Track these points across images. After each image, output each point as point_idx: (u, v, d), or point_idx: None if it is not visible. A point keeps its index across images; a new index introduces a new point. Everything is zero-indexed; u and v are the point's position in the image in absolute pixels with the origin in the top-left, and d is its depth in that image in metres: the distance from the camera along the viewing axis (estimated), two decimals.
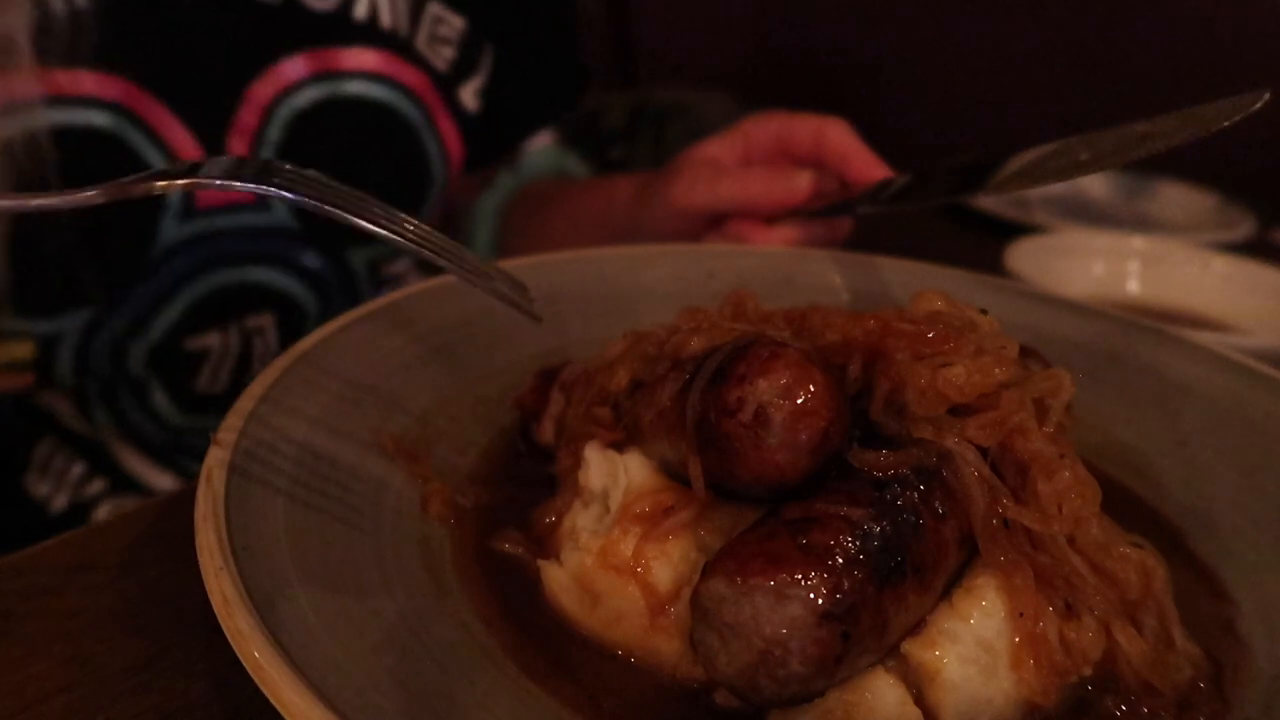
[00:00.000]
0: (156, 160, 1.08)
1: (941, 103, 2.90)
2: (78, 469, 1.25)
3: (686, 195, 1.22)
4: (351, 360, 0.85)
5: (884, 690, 0.61)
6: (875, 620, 0.58)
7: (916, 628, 0.63)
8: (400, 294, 0.95)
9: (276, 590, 0.58)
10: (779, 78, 3.28)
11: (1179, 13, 2.47)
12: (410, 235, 0.73)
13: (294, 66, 1.18)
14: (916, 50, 2.95)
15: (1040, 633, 0.63)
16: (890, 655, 0.62)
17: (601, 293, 1.05)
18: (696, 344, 0.74)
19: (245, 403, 0.73)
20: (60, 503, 1.24)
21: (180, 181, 0.67)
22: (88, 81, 1.03)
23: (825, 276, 1.12)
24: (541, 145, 1.67)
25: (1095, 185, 2.15)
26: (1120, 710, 0.64)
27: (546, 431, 0.84)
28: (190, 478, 1.29)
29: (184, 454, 1.29)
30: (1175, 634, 0.67)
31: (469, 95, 1.37)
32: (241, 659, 0.53)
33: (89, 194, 0.66)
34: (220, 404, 1.25)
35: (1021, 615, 0.63)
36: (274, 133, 1.16)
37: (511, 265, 1.06)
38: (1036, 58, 2.70)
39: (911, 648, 0.62)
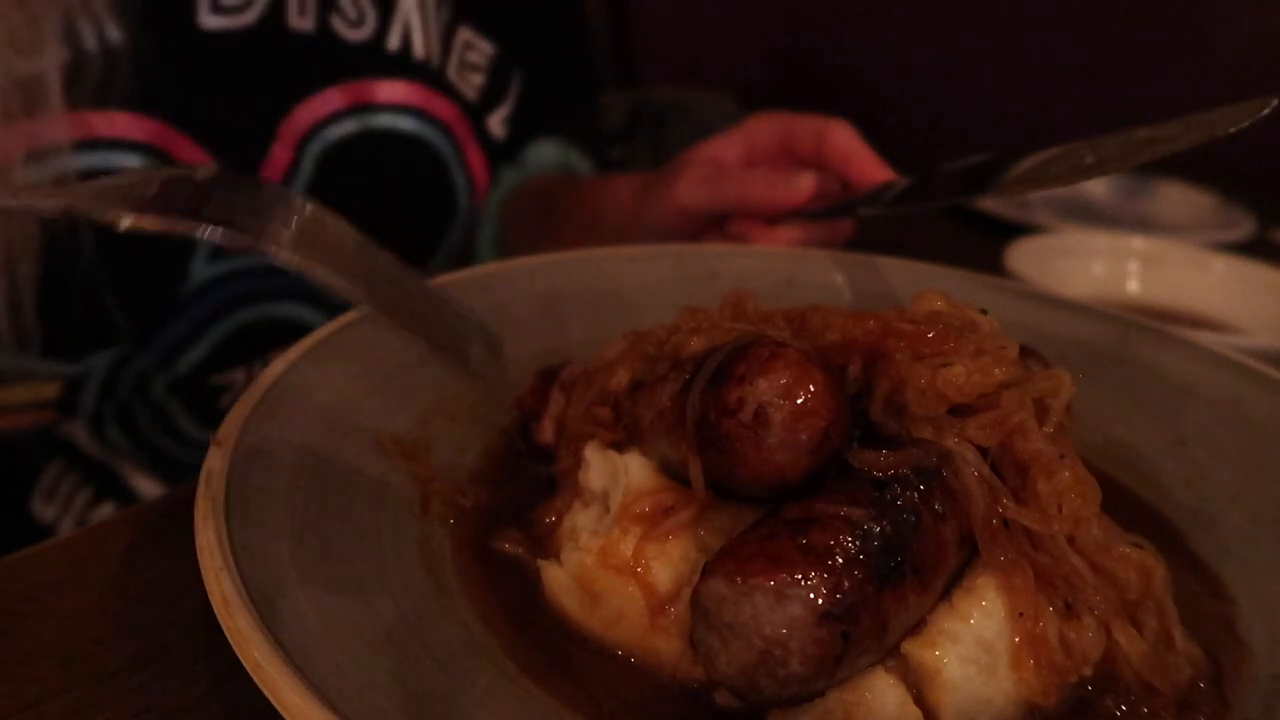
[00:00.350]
0: None
1: (944, 105, 2.90)
2: (85, 494, 1.24)
3: (688, 194, 1.21)
4: (351, 360, 0.85)
5: (884, 690, 0.61)
6: (875, 620, 0.58)
7: (916, 628, 0.63)
8: None
9: (276, 590, 0.58)
10: (780, 78, 3.28)
11: (1184, 19, 2.46)
12: (380, 299, 0.70)
13: (327, 100, 1.18)
14: (918, 52, 2.95)
15: (1040, 633, 0.63)
16: (890, 655, 0.62)
17: (601, 293, 1.05)
18: (696, 344, 0.74)
19: (246, 403, 0.73)
20: (66, 526, 1.24)
21: (128, 218, 0.62)
22: (121, 122, 1.02)
23: (826, 276, 1.12)
24: (544, 140, 1.67)
25: (1096, 185, 2.15)
26: (1120, 710, 0.63)
27: (546, 431, 0.84)
28: None
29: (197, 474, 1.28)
30: (1175, 634, 0.67)
31: (496, 124, 1.37)
32: (241, 659, 0.53)
33: (50, 201, 0.65)
34: None
35: (1021, 615, 0.63)
36: (307, 168, 1.16)
37: (512, 265, 1.06)
38: (1040, 62, 2.70)
39: (911, 648, 0.62)
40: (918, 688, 0.62)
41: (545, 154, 1.65)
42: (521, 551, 0.75)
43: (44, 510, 1.23)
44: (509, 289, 1.01)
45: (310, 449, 0.74)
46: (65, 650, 0.67)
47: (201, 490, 0.64)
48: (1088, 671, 0.64)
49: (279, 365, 0.79)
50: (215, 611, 0.55)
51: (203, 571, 0.58)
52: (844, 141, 1.17)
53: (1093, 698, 0.64)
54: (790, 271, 1.12)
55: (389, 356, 0.88)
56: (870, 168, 1.16)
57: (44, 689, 0.64)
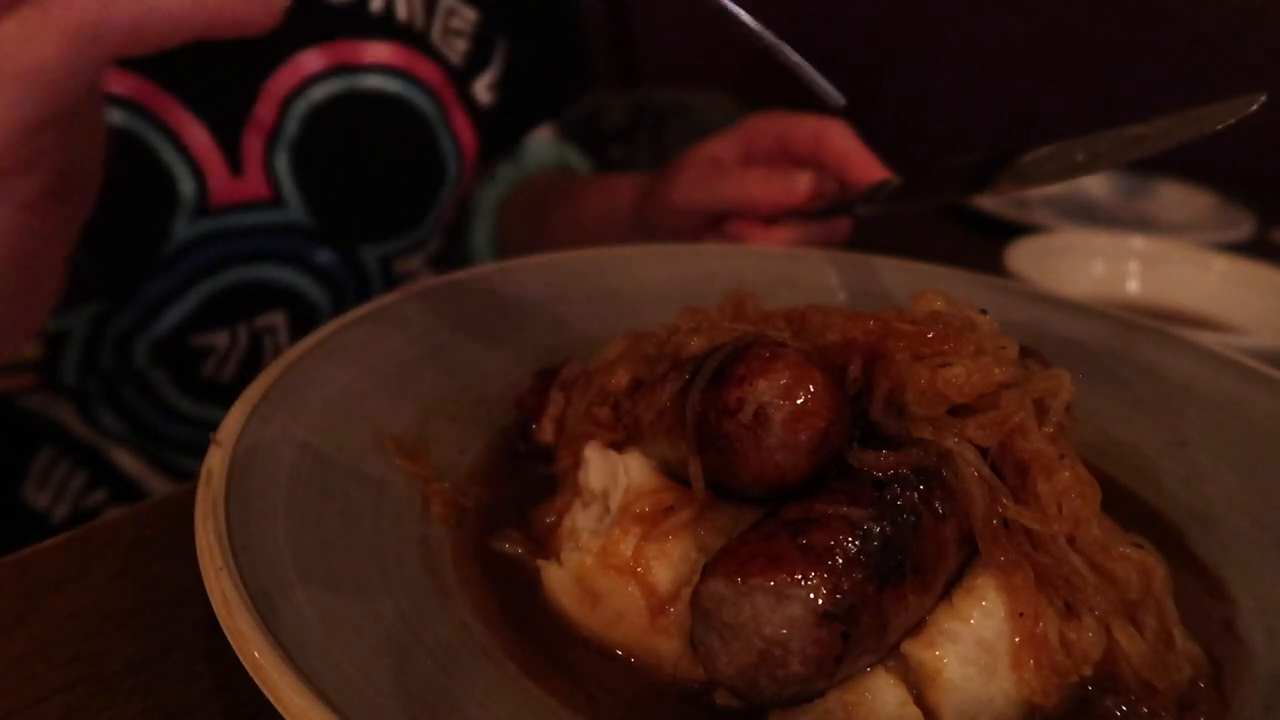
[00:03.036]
0: (173, 158, 1.07)
1: (946, 104, 2.90)
2: (79, 479, 1.24)
3: (686, 194, 1.22)
4: (352, 360, 0.85)
5: (884, 690, 0.61)
6: (875, 620, 0.58)
7: (916, 628, 0.63)
8: (400, 294, 0.96)
9: (276, 590, 0.58)
10: (780, 79, 3.27)
11: (1182, 13, 2.46)
12: None
13: (311, 60, 1.17)
14: (920, 53, 2.95)
15: (1040, 633, 0.63)
16: (890, 655, 0.62)
17: (601, 293, 1.05)
18: (696, 344, 0.74)
19: (245, 402, 0.73)
20: (61, 513, 1.24)
21: None
22: None
23: (825, 276, 1.12)
24: (542, 138, 1.66)
25: (1095, 185, 2.15)
26: (1120, 710, 0.64)
27: (546, 431, 0.84)
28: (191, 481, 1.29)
29: (186, 454, 1.28)
30: (1175, 634, 0.67)
31: (482, 89, 1.37)
32: (241, 659, 0.53)
33: None
34: (227, 394, 1.25)
35: (1021, 615, 0.63)
36: (291, 127, 1.16)
37: (513, 265, 1.06)
38: (1040, 60, 2.70)
39: (912, 648, 0.62)
40: (918, 688, 0.62)
41: (543, 153, 1.65)
42: (521, 551, 0.75)
43: (37, 497, 1.23)
44: (509, 289, 1.01)
45: (310, 449, 0.74)
46: (65, 650, 0.68)
47: (201, 490, 0.64)
48: (1088, 671, 0.64)
49: (279, 365, 0.79)
50: (215, 611, 0.55)
51: (203, 571, 0.58)
52: (841, 142, 1.18)
53: (1093, 698, 0.64)
54: (790, 271, 1.12)
55: (389, 356, 0.88)
56: (867, 167, 1.16)
57: (44, 689, 0.64)
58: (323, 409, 0.78)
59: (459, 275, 1.00)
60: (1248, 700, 0.65)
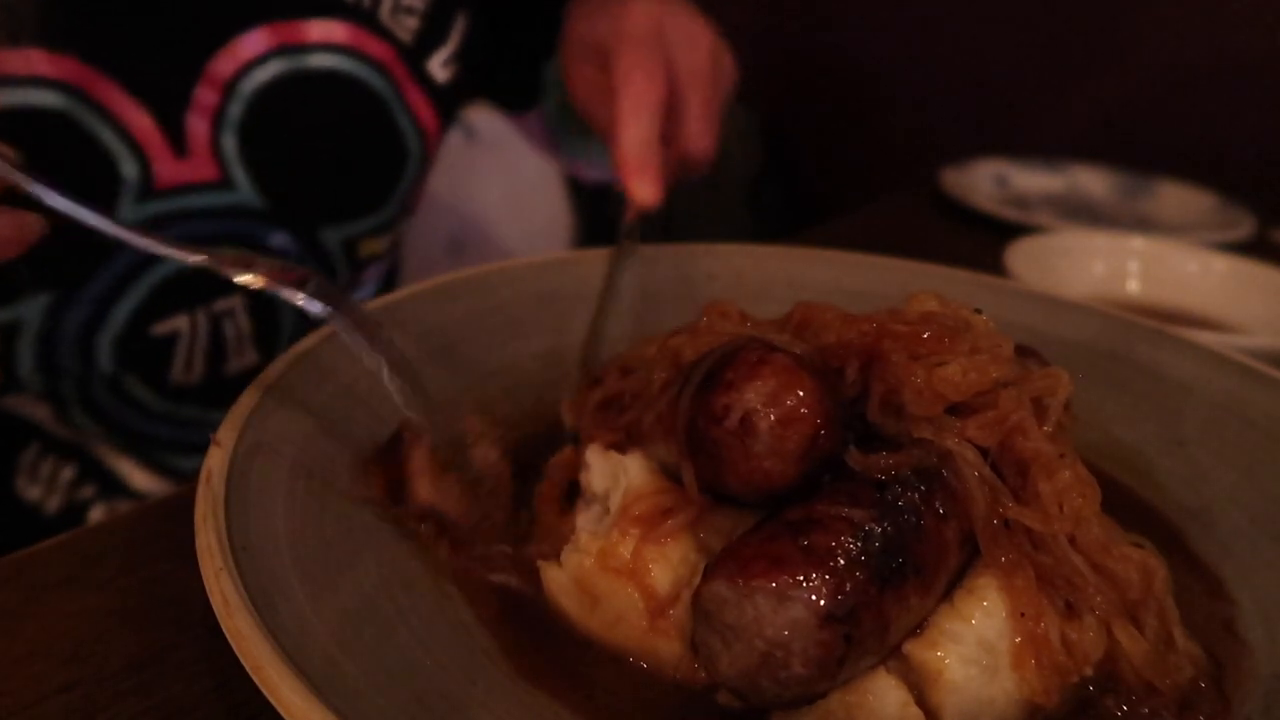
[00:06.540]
0: (112, 141, 1.05)
1: (949, 105, 2.90)
2: (68, 472, 1.24)
3: (579, 97, 1.21)
4: (352, 360, 0.84)
5: (886, 691, 0.61)
6: (877, 621, 0.58)
7: (918, 628, 0.63)
8: (400, 294, 0.96)
9: (276, 590, 0.58)
10: (789, 83, 3.28)
11: (1178, 12, 2.46)
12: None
13: (254, 40, 1.15)
14: (924, 53, 2.95)
15: (1041, 633, 0.63)
16: (892, 656, 0.62)
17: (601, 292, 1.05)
18: (694, 346, 0.74)
19: (245, 402, 0.73)
20: (54, 505, 1.24)
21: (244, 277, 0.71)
22: (38, 60, 0.99)
23: (825, 276, 1.12)
24: None
25: (1095, 185, 2.15)
26: (1121, 710, 0.64)
27: (425, 490, 0.76)
28: (178, 478, 1.29)
29: (169, 451, 1.28)
30: (1176, 633, 0.67)
31: (437, 66, 1.35)
32: (241, 659, 0.53)
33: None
34: (199, 391, 1.24)
35: (1023, 615, 0.63)
36: (235, 110, 1.14)
37: (512, 266, 1.06)
38: (1044, 58, 2.70)
39: (913, 648, 0.62)
40: (919, 688, 0.62)
41: None
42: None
43: (29, 489, 1.23)
44: (509, 289, 1.01)
45: (310, 449, 0.74)
46: (65, 650, 0.67)
47: (201, 490, 0.64)
48: (1089, 671, 0.64)
49: (279, 365, 0.79)
50: (215, 611, 0.55)
51: (203, 572, 0.58)
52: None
53: (1094, 697, 0.64)
54: (790, 271, 1.12)
55: None
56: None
57: (44, 689, 0.64)
58: (323, 409, 0.78)
59: (461, 274, 1.00)
60: (1248, 700, 0.65)
